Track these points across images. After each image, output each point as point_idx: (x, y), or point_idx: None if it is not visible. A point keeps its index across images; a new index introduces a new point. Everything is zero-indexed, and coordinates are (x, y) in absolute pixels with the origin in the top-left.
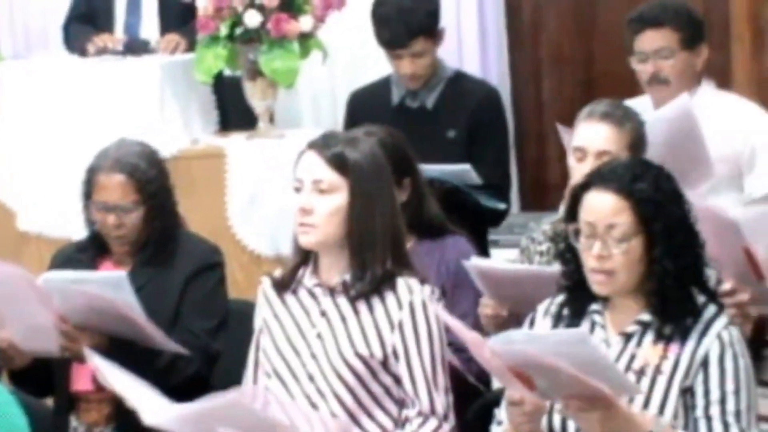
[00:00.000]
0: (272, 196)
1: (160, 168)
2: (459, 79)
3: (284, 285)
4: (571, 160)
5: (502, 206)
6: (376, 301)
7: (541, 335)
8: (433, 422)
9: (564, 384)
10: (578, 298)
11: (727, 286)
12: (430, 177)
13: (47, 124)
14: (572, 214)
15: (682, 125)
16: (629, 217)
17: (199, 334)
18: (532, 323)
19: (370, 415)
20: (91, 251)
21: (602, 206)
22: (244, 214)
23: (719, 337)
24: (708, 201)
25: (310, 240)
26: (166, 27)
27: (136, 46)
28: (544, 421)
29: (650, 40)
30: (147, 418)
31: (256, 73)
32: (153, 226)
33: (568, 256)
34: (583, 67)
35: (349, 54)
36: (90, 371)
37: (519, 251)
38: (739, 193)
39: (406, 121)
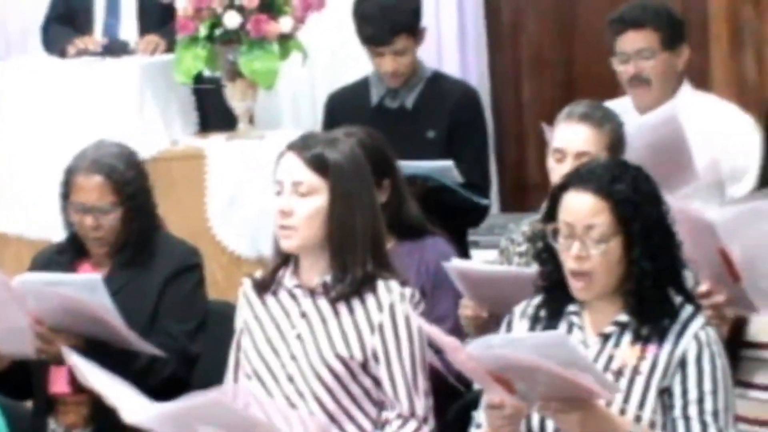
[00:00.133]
0: (252, 197)
1: (139, 169)
2: (438, 79)
3: (265, 286)
4: (551, 161)
5: (485, 201)
6: (356, 303)
7: (519, 338)
8: (412, 424)
9: (544, 386)
10: (555, 299)
11: (703, 287)
12: (413, 174)
13: (27, 125)
14: (551, 215)
15: (668, 132)
16: (608, 217)
17: (178, 336)
18: (509, 325)
19: (349, 417)
20: (70, 253)
21: (581, 207)
22: (224, 215)
23: (696, 337)
24: (686, 202)
25: (291, 244)
26: (145, 28)
27: (115, 48)
28: (522, 421)
29: (631, 41)
30: (127, 416)
31: (235, 74)
32: (131, 227)
33: (546, 256)
34: (563, 68)
35: (329, 55)
36: (66, 374)
37: (498, 252)
38: (718, 195)
39: (386, 121)
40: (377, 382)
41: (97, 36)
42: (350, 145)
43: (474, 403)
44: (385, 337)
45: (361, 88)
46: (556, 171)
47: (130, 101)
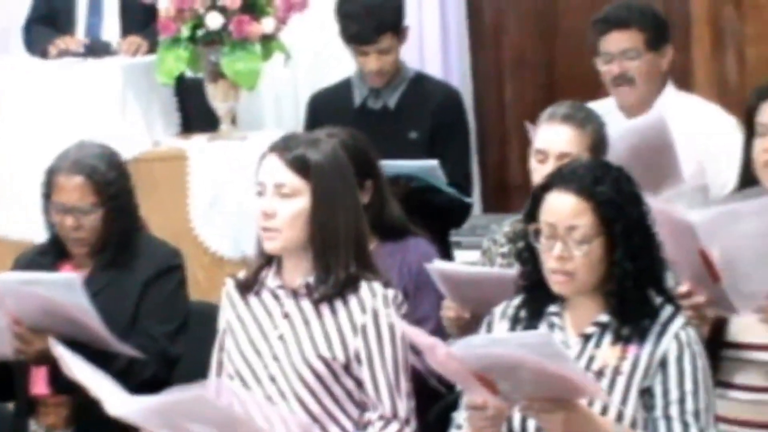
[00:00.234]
0: (234, 197)
1: (121, 170)
2: (420, 80)
3: (247, 286)
4: (533, 162)
5: (469, 200)
6: (339, 305)
7: (503, 338)
8: (395, 426)
9: (528, 384)
10: (536, 299)
11: (684, 288)
12: (397, 174)
13: (8, 126)
14: (532, 215)
15: (655, 136)
16: (590, 218)
17: (158, 337)
18: (489, 326)
19: (331, 418)
20: (51, 254)
21: (563, 207)
22: (207, 216)
23: (677, 337)
24: (666, 203)
25: (274, 246)
26: (127, 29)
27: (97, 48)
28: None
29: (616, 41)
30: (110, 409)
31: (217, 74)
32: (112, 228)
33: (527, 255)
34: (545, 69)
35: (312, 56)
36: (45, 375)
37: (481, 253)
38: (702, 199)
39: (368, 122)
40: (359, 384)
41: (79, 36)
42: (332, 146)
43: (455, 405)
44: (367, 338)
45: (343, 89)
46: (538, 172)
47: (112, 102)
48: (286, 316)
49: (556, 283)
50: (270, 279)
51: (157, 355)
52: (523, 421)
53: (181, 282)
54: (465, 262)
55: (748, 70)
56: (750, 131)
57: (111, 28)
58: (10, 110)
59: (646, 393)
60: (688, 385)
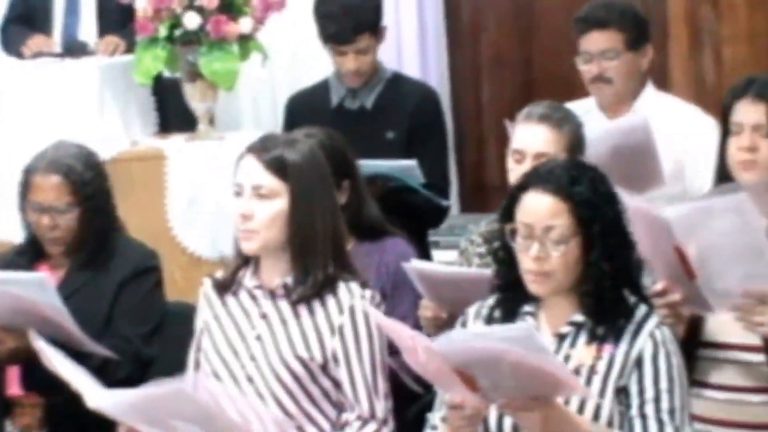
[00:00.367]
0: (212, 197)
1: (98, 171)
2: (398, 80)
3: (225, 286)
4: (510, 162)
5: (446, 203)
6: (317, 305)
7: (484, 332)
8: (372, 426)
9: (508, 380)
10: (511, 299)
11: (659, 286)
12: (374, 173)
13: None
14: (508, 214)
15: (638, 138)
16: (568, 219)
17: (132, 339)
18: (463, 326)
19: (308, 418)
20: (29, 254)
21: (540, 208)
22: (184, 216)
23: (652, 336)
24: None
25: (252, 247)
26: (104, 29)
27: (74, 48)
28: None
29: (595, 41)
30: (90, 401)
31: (195, 75)
32: (88, 228)
33: (502, 255)
34: (523, 69)
35: (290, 56)
36: (18, 375)
37: (458, 253)
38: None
39: (346, 122)
40: (337, 384)
41: (56, 36)
42: (310, 146)
43: (432, 405)
44: (345, 338)
45: (321, 89)
46: (515, 172)
47: (89, 102)
48: (264, 316)
49: (532, 283)
50: (247, 279)
51: (131, 356)
52: (500, 420)
53: (158, 283)
54: (443, 261)
55: (724, 69)
56: (726, 130)
57: (88, 28)
58: None
59: (621, 392)
60: (664, 384)
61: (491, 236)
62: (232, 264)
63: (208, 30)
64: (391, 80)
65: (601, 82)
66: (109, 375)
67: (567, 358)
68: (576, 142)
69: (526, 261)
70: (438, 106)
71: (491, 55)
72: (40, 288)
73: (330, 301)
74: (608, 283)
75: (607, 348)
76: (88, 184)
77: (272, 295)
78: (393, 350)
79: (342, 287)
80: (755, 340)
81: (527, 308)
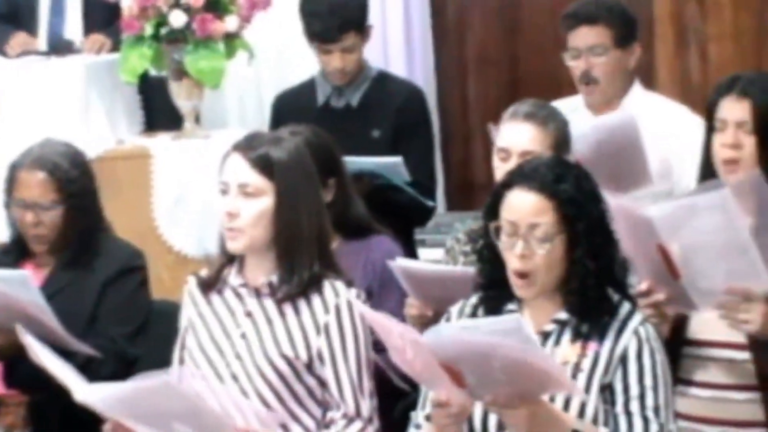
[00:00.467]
0: (198, 196)
1: (84, 169)
2: (384, 79)
3: (210, 285)
4: (496, 161)
5: (431, 203)
6: (302, 304)
7: (473, 324)
8: (357, 424)
9: (497, 373)
10: (494, 297)
11: (643, 286)
12: (360, 170)
13: None
14: (492, 212)
15: (625, 136)
16: (552, 217)
17: (116, 338)
18: None
19: (293, 416)
20: (14, 253)
21: (525, 206)
22: (170, 215)
23: (636, 333)
24: (624, 199)
25: (237, 246)
26: (90, 27)
27: (60, 47)
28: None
29: (584, 36)
30: (78, 395)
31: (181, 73)
32: (72, 226)
33: (486, 253)
34: (509, 67)
35: (275, 54)
36: (0, 373)
37: (444, 251)
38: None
39: (331, 120)
40: (321, 382)
41: (42, 35)
42: (295, 144)
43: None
44: (330, 337)
45: (307, 88)
46: (501, 170)
47: (75, 101)
48: (249, 314)
49: (518, 289)
50: (232, 277)
51: (114, 356)
52: (484, 419)
53: (142, 283)
54: (429, 260)
55: (710, 68)
56: (710, 127)
57: (74, 27)
58: None
59: (606, 389)
60: (648, 381)
61: (471, 233)
62: (216, 262)
63: (194, 28)
64: (376, 79)
65: (588, 82)
66: (93, 374)
67: (552, 356)
68: (561, 141)
69: (511, 259)
70: (424, 105)
71: (477, 53)
72: (22, 285)
73: (315, 300)
74: (593, 281)
75: (592, 345)
76: (74, 182)
77: (257, 293)
78: (380, 348)
79: (327, 286)
80: (740, 338)
81: (510, 306)
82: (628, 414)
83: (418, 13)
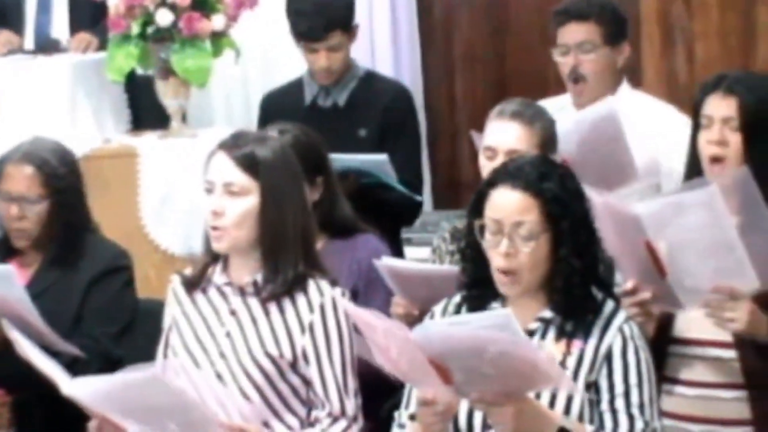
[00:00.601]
0: (185, 195)
1: (72, 168)
2: (371, 78)
3: (194, 283)
4: (482, 159)
5: (419, 198)
6: (286, 303)
7: (463, 320)
8: (342, 423)
9: (487, 368)
10: (478, 296)
11: (629, 285)
12: (347, 168)
13: None
14: (476, 211)
15: (606, 128)
16: (537, 215)
17: (100, 339)
18: None
19: (277, 415)
20: (1, 251)
21: (510, 204)
22: (157, 214)
23: (621, 330)
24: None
25: (222, 245)
26: (76, 26)
27: (46, 46)
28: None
29: (573, 32)
30: (65, 388)
31: (168, 72)
32: (57, 223)
33: (469, 252)
34: (495, 66)
35: (262, 53)
36: None
37: (431, 251)
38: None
39: (318, 120)
40: (306, 381)
41: (29, 34)
42: (281, 143)
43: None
44: (315, 336)
45: (294, 88)
46: (487, 169)
47: (62, 99)
48: (233, 313)
49: (503, 286)
50: (217, 276)
51: (99, 356)
52: (469, 418)
53: (128, 283)
54: (416, 259)
55: (696, 67)
56: (696, 125)
57: (60, 26)
58: None
59: (591, 387)
60: (633, 379)
61: (455, 231)
62: (200, 261)
63: (181, 27)
64: (363, 78)
65: (576, 81)
66: (78, 374)
67: None
68: (548, 139)
69: (496, 258)
70: (411, 104)
71: (464, 52)
72: (6, 281)
73: (300, 299)
74: (577, 279)
75: (577, 343)
76: (61, 178)
77: (242, 292)
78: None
79: (312, 285)
80: (726, 336)
81: (494, 305)
82: (614, 411)
83: (405, 12)
